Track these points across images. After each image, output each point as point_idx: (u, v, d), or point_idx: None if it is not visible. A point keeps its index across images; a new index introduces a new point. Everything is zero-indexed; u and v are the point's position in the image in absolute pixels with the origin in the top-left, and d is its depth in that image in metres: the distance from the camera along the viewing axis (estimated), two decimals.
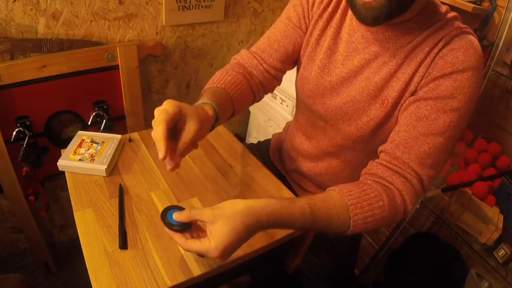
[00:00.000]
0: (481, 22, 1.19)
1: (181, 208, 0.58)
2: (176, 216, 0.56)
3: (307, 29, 0.82)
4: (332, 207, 0.60)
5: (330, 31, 0.78)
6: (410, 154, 0.65)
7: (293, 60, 0.86)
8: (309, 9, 0.80)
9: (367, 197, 0.62)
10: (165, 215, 0.57)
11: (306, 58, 0.82)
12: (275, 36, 0.84)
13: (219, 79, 0.77)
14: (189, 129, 0.57)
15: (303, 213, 0.57)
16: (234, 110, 0.76)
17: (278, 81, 0.89)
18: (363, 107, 0.75)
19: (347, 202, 0.61)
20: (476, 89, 0.65)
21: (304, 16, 0.81)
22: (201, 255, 0.60)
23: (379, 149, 0.71)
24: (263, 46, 0.84)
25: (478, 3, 1.13)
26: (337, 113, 0.79)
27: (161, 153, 0.53)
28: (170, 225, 0.56)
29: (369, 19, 0.64)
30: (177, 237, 0.55)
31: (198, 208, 0.55)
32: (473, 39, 0.66)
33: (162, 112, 0.54)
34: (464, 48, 0.63)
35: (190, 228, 0.57)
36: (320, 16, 0.79)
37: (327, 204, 0.60)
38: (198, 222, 0.57)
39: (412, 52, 0.68)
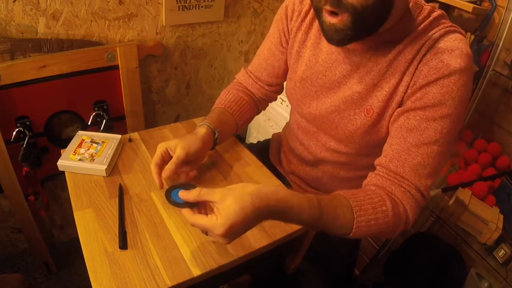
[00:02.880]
0: (481, 22, 1.19)
1: (186, 186, 0.59)
2: (184, 195, 0.56)
3: (288, 43, 0.84)
4: (339, 205, 0.60)
5: (309, 43, 0.78)
6: (404, 167, 0.64)
7: (283, 73, 0.89)
8: (288, 23, 0.82)
9: (371, 201, 0.62)
10: (169, 193, 0.58)
11: (290, 70, 0.85)
12: (264, 54, 0.89)
13: (221, 99, 0.89)
14: (174, 157, 0.71)
15: (311, 205, 0.57)
16: (237, 125, 0.86)
17: (277, 92, 0.94)
18: (348, 116, 0.75)
19: (352, 203, 0.61)
20: (465, 90, 0.62)
21: (284, 31, 0.83)
22: (205, 232, 0.60)
23: (375, 162, 0.70)
24: (255, 65, 0.91)
25: (478, 3, 1.13)
26: (325, 122, 0.79)
27: (158, 185, 0.70)
28: (176, 204, 0.57)
29: (334, 40, 0.63)
30: (185, 211, 0.56)
31: (208, 189, 0.55)
32: (459, 37, 0.63)
33: (154, 157, 0.72)
34: (448, 50, 0.61)
35: (198, 205, 0.57)
36: (299, 28, 0.80)
37: (334, 201, 0.60)
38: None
39: (395, 60, 0.67)
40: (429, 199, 0.67)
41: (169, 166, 0.70)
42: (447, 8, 1.17)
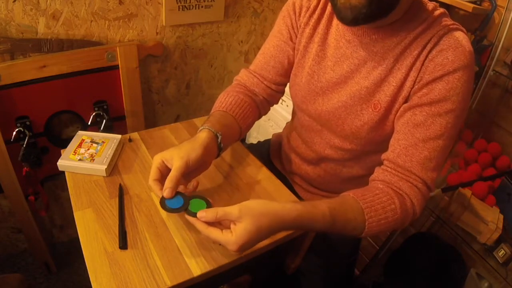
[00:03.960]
0: (481, 22, 1.19)
1: (182, 194, 0.62)
2: (202, 216, 0.57)
3: (296, 39, 0.83)
4: (350, 210, 0.62)
5: (317, 38, 0.78)
6: (412, 162, 0.67)
7: (291, 71, 0.87)
8: (296, 19, 0.81)
9: (380, 200, 0.64)
10: (163, 200, 0.61)
11: (296, 65, 0.84)
12: (270, 52, 0.86)
13: (221, 102, 0.82)
14: (172, 170, 0.62)
15: (324, 217, 0.59)
16: (240, 129, 0.80)
17: (281, 93, 0.91)
18: (355, 111, 0.75)
19: (362, 205, 0.62)
20: (468, 87, 0.66)
21: (293, 27, 0.82)
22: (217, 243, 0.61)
23: (382, 157, 0.71)
24: (261, 64, 0.87)
25: (478, 3, 1.13)
26: (331, 118, 0.79)
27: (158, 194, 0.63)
28: (172, 210, 0.60)
29: (348, 18, 0.63)
30: (198, 223, 0.57)
31: (223, 209, 0.56)
32: (462, 35, 0.65)
33: (151, 173, 0.64)
34: (453, 47, 0.64)
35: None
36: (307, 24, 0.80)
37: (345, 207, 0.62)
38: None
39: (401, 55, 0.68)
40: (433, 190, 0.70)
41: (168, 184, 0.61)
42: (447, 8, 1.16)
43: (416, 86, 0.67)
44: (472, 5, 1.09)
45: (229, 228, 0.56)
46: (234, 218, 0.55)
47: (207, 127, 0.70)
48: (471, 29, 1.21)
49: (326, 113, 0.80)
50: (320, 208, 0.59)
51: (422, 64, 0.66)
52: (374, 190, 0.66)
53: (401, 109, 0.69)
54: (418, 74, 0.67)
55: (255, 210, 0.55)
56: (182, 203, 0.61)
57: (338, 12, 0.65)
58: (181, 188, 0.64)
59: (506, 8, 1.07)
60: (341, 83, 0.76)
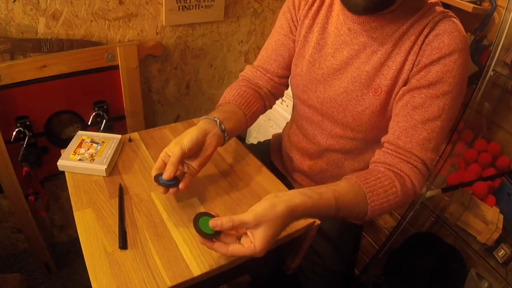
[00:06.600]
0: (481, 22, 1.19)
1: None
2: (215, 225, 0.55)
3: (296, 31, 0.85)
4: (354, 197, 0.64)
5: (316, 28, 0.81)
6: (412, 143, 0.69)
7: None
8: (296, 13, 0.84)
9: (382, 184, 0.66)
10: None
11: (296, 56, 0.86)
12: (272, 46, 0.89)
13: (224, 97, 0.86)
14: (171, 156, 0.66)
15: (329, 207, 0.61)
16: (245, 115, 0.82)
17: (285, 86, 0.94)
18: (356, 96, 0.77)
19: (365, 190, 0.65)
20: (464, 70, 0.68)
21: (293, 20, 0.85)
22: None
23: (382, 139, 0.74)
24: (263, 58, 0.90)
25: (478, 3, 1.13)
26: (332, 105, 0.81)
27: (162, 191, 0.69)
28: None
29: (360, 7, 0.66)
30: (217, 246, 0.56)
31: (238, 217, 0.55)
32: (456, 21, 0.69)
33: (155, 164, 0.69)
34: (448, 32, 0.66)
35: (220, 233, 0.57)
36: (306, 15, 0.82)
37: (349, 195, 0.64)
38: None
39: (400, 40, 0.71)
40: (432, 170, 0.73)
41: (168, 167, 0.65)
42: (447, 8, 1.16)
43: (414, 69, 0.70)
44: (472, 5, 1.09)
45: (244, 233, 0.57)
46: (250, 224, 0.55)
47: (203, 117, 0.75)
48: (471, 29, 1.21)
49: (327, 100, 0.81)
50: (326, 198, 0.61)
51: (420, 48, 0.69)
52: (376, 173, 0.68)
53: (400, 92, 0.72)
54: (416, 58, 0.69)
55: (269, 215, 0.55)
56: (174, 181, 0.66)
57: (348, 3, 0.68)
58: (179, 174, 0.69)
59: (506, 8, 1.07)
60: (342, 69, 0.78)
